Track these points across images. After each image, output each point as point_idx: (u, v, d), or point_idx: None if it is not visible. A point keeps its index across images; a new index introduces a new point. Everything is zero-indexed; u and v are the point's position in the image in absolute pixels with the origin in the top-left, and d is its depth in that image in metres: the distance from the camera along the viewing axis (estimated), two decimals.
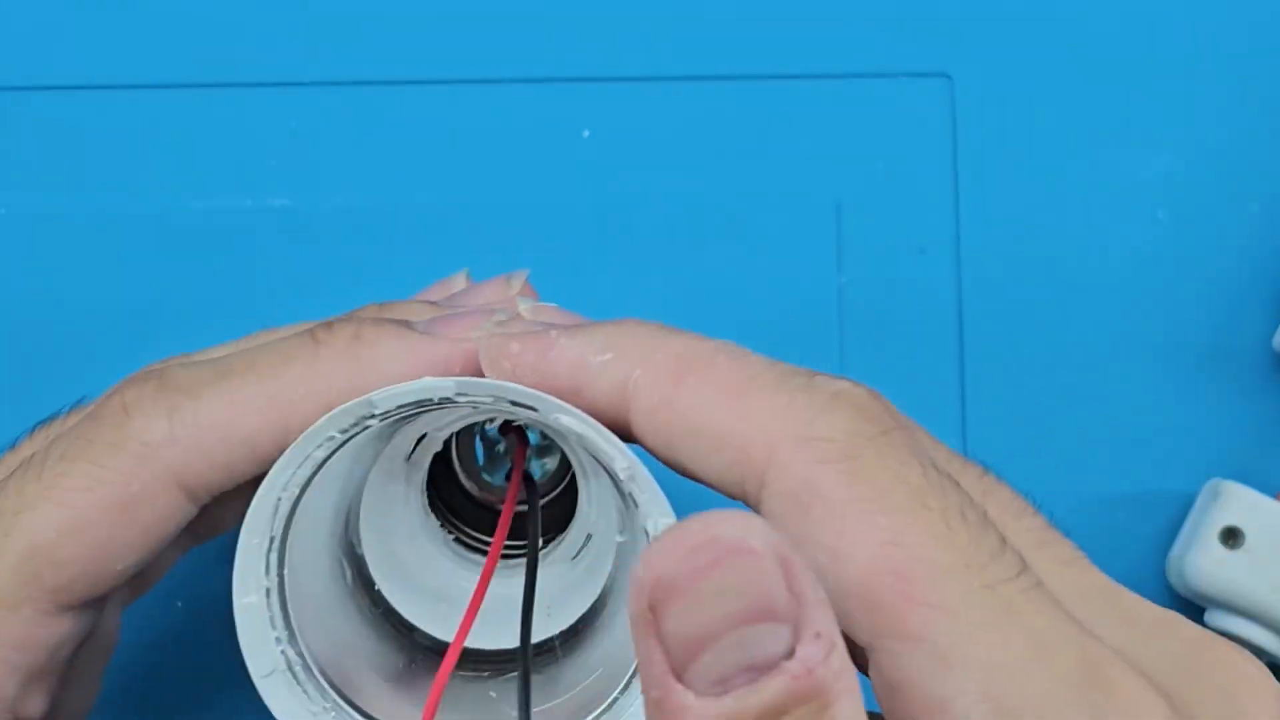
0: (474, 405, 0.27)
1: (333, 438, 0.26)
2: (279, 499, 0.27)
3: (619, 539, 0.30)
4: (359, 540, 0.31)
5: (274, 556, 0.27)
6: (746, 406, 0.25)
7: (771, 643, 0.19)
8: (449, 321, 0.28)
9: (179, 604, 0.37)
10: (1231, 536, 0.35)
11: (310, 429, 0.26)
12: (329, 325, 0.28)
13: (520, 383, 0.26)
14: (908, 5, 0.40)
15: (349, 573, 0.31)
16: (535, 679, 0.30)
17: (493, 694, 0.30)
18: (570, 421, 0.25)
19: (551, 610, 0.30)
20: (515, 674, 0.30)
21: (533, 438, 0.33)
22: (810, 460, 0.24)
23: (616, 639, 0.29)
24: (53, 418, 0.31)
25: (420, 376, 0.26)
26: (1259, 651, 0.36)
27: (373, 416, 0.26)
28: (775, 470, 0.24)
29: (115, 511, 0.27)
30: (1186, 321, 0.39)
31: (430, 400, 0.26)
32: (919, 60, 0.40)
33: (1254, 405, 0.38)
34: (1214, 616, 0.36)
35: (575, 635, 0.31)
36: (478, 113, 0.39)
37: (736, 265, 0.38)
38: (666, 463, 0.25)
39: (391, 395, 0.26)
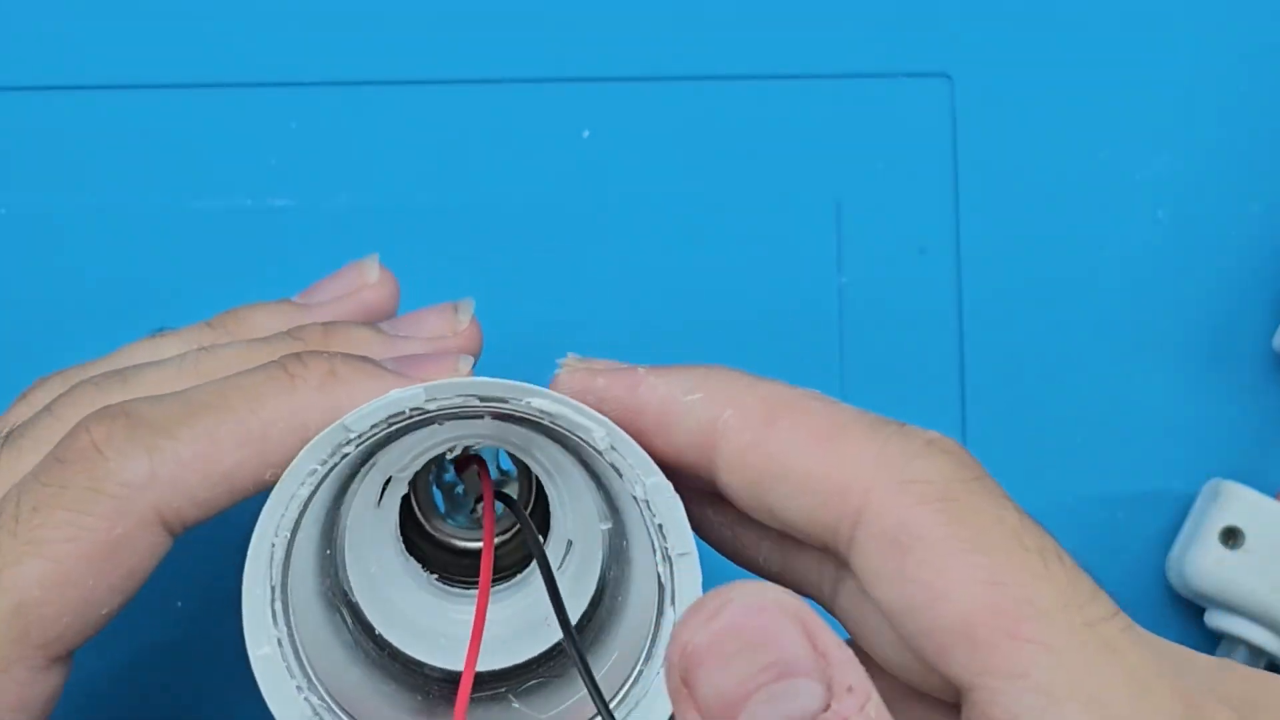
0: (443, 413, 0.27)
1: (315, 471, 0.27)
2: (273, 544, 0.27)
3: (604, 527, 0.30)
4: (350, 588, 0.31)
5: (279, 605, 0.27)
6: (840, 450, 0.25)
7: (805, 700, 0.20)
8: (419, 363, 0.29)
9: (179, 604, 0.37)
10: (1231, 536, 0.35)
11: (291, 466, 0.26)
12: (300, 359, 0.28)
13: (607, 415, 0.26)
14: (908, 5, 0.40)
15: (348, 619, 0.31)
16: (554, 682, 0.31)
17: (515, 705, 0.31)
18: (542, 402, 0.26)
19: (550, 620, 0.30)
20: (534, 682, 0.31)
21: (493, 472, 0.33)
22: (908, 503, 0.24)
23: (626, 623, 0.29)
24: None
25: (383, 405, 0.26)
26: (1259, 651, 0.36)
27: (349, 441, 0.26)
28: (871, 513, 0.24)
29: (100, 559, 0.26)
30: (1186, 321, 0.39)
31: (402, 413, 0.26)
32: (919, 60, 0.40)
33: (1254, 405, 0.38)
34: (1214, 616, 0.36)
35: (582, 632, 0.31)
36: (478, 113, 0.39)
37: (736, 265, 0.38)
38: (750, 506, 0.26)
39: (365, 414, 0.26)
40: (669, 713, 0.27)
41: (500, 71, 0.40)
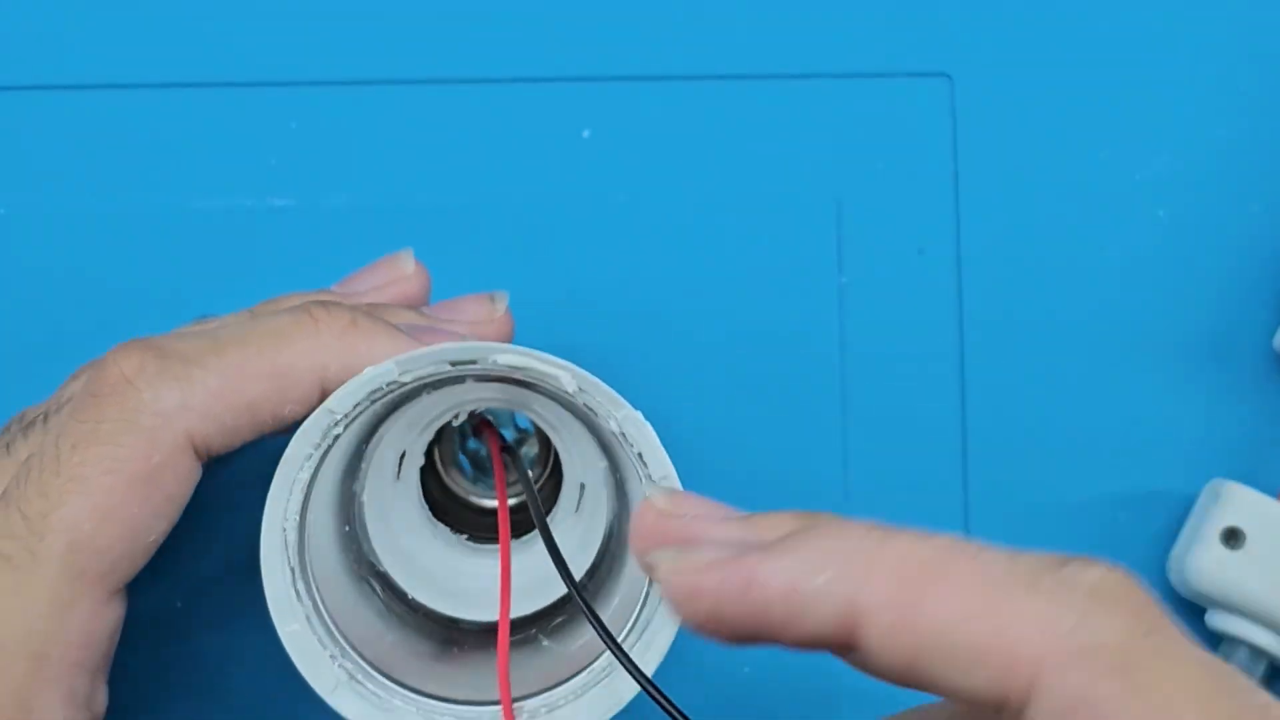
0: (420, 383, 0.28)
1: (310, 455, 0.28)
2: (284, 529, 0.28)
3: (602, 464, 0.32)
4: (378, 559, 0.33)
5: (301, 585, 0.29)
6: (1001, 617, 0.22)
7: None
8: (435, 334, 0.30)
9: (178, 604, 0.37)
10: (1232, 537, 0.35)
11: (286, 454, 0.28)
12: (325, 306, 0.29)
13: (726, 619, 0.23)
14: (908, 5, 0.40)
15: (377, 588, 0.33)
16: (569, 624, 0.32)
17: (545, 643, 0.32)
18: (509, 358, 0.27)
19: (573, 560, 0.32)
20: (560, 619, 0.33)
21: (506, 434, 0.35)
22: (1084, 675, 0.22)
23: (629, 565, 0.30)
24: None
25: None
26: (1260, 652, 0.36)
27: (336, 423, 0.28)
28: (1044, 687, 0.22)
29: (140, 488, 0.28)
30: (1186, 322, 0.39)
31: (380, 389, 0.28)
32: (919, 60, 0.40)
33: (1254, 405, 0.38)
34: (1214, 617, 0.36)
35: (595, 572, 0.33)
36: (478, 113, 0.39)
37: (737, 265, 0.38)
38: (902, 681, 0.23)
39: (344, 395, 0.28)
40: (674, 633, 0.28)
41: (500, 71, 0.40)
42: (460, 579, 0.34)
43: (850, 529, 0.24)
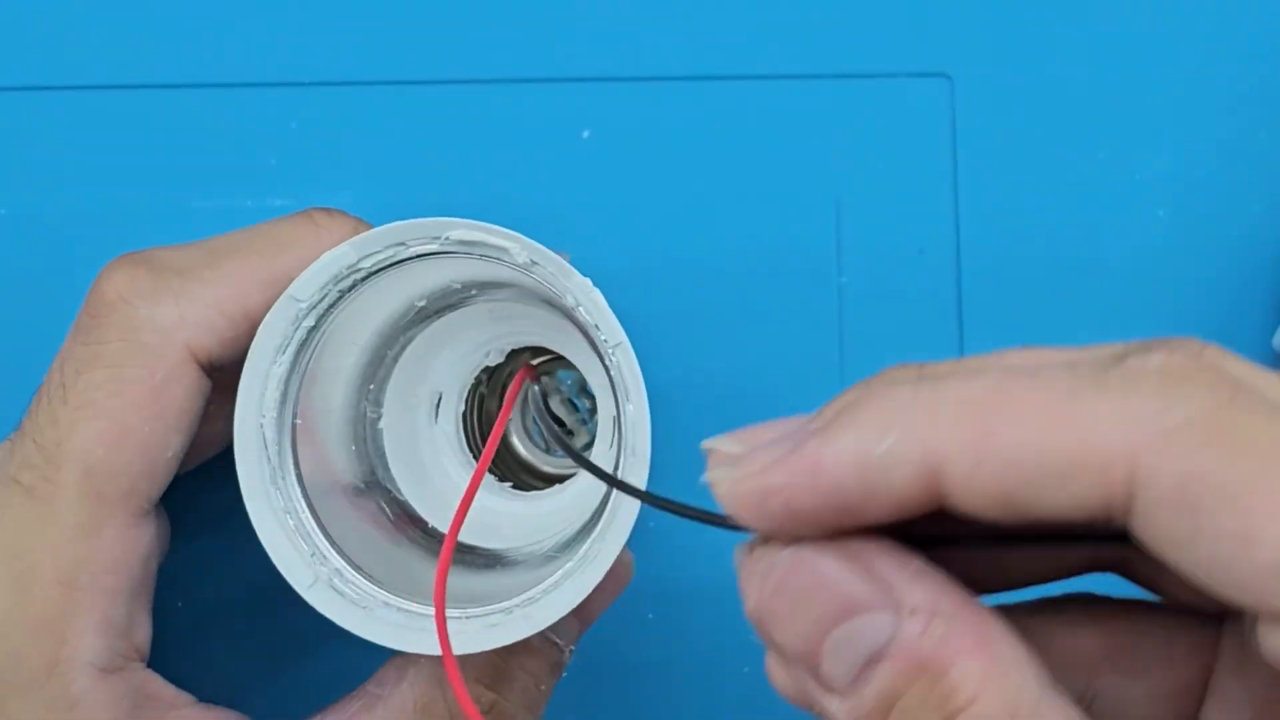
0: (378, 268, 0.28)
1: (280, 347, 0.28)
2: (261, 424, 0.28)
3: (606, 377, 0.32)
4: (396, 488, 0.33)
5: (281, 483, 0.29)
6: (1080, 423, 0.21)
7: (875, 633, 0.20)
8: None
9: (179, 604, 0.37)
10: None
11: (253, 347, 0.28)
12: (329, 212, 0.30)
13: (803, 517, 0.21)
14: (908, 5, 0.40)
15: (387, 509, 0.33)
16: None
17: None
18: (460, 233, 0.28)
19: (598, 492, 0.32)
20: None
21: (580, 404, 0.36)
22: (1182, 454, 0.20)
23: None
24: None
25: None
26: None
27: (302, 312, 0.28)
28: (1144, 478, 0.21)
29: (148, 406, 0.28)
30: (1186, 321, 0.39)
31: (340, 272, 0.28)
32: (919, 60, 0.40)
33: None
34: None
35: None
36: (478, 113, 0.39)
37: (737, 265, 0.38)
38: (1000, 524, 0.21)
39: (305, 281, 0.28)
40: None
41: (500, 71, 0.40)
42: (485, 515, 0.34)
43: (897, 388, 0.21)
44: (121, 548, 0.28)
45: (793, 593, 0.21)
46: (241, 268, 0.29)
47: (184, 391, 0.28)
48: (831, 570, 0.20)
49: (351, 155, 0.39)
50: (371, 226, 0.30)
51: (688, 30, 0.39)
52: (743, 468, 0.22)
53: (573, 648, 0.31)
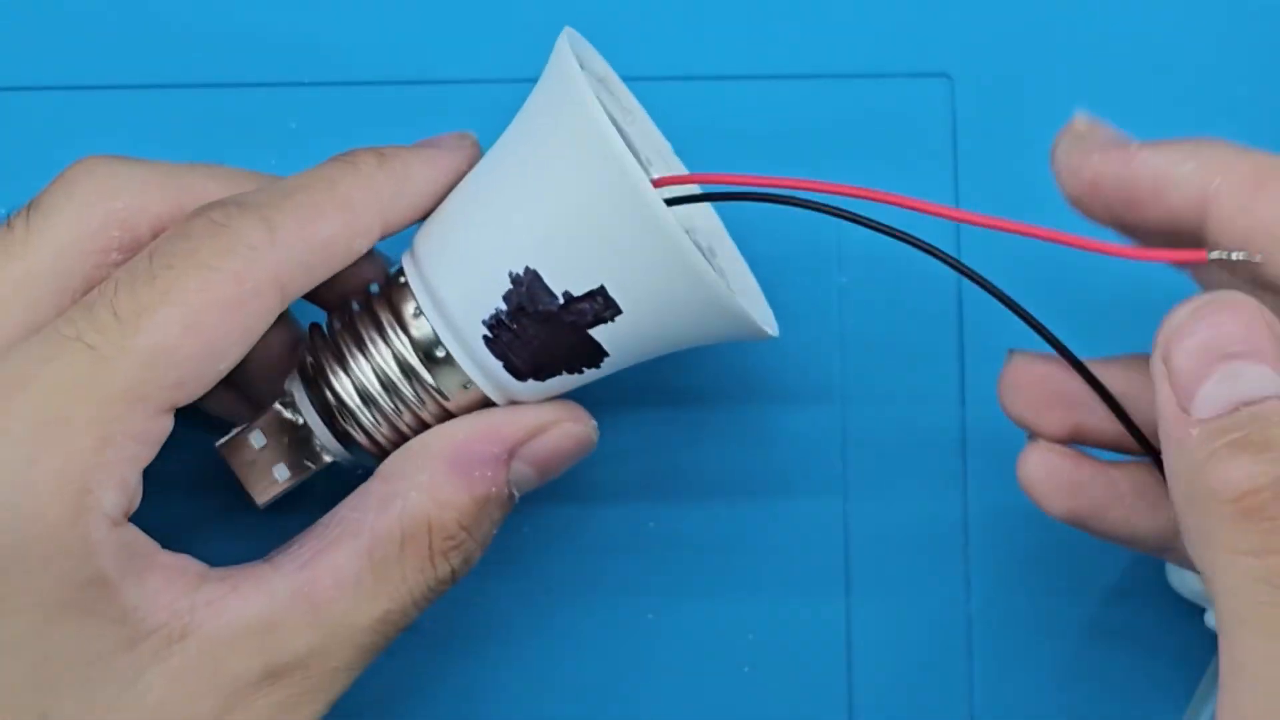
0: None
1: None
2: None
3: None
4: None
5: None
6: None
7: (1256, 384, 0.25)
8: (433, 145, 0.34)
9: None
10: None
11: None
12: (350, 151, 0.33)
13: (1102, 190, 0.29)
14: (908, 5, 0.40)
15: None
16: None
17: None
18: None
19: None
20: None
21: None
22: None
23: None
24: None
25: (442, 177, 0.33)
26: None
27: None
28: None
29: (226, 310, 0.30)
30: None
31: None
32: (919, 60, 0.40)
33: None
34: (1214, 618, 0.36)
35: None
36: (478, 113, 0.39)
37: None
38: (1241, 270, 0.28)
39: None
40: None
41: (500, 71, 0.40)
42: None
43: (1220, 142, 0.28)
44: (155, 425, 0.30)
45: (1214, 322, 0.26)
46: (311, 199, 0.31)
47: (261, 308, 0.30)
48: (1252, 318, 0.26)
49: None
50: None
51: (687, 30, 0.39)
52: (1083, 142, 0.29)
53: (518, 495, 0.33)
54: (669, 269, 0.30)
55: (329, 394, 0.33)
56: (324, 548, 0.31)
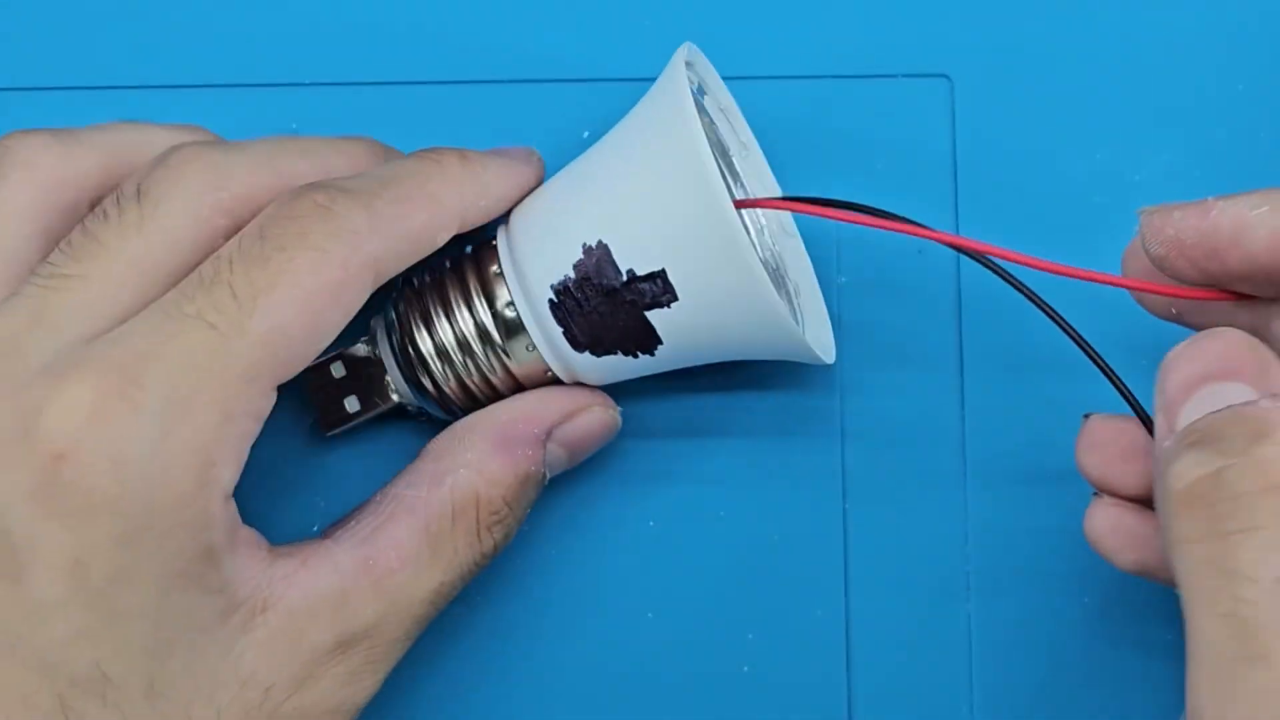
0: None
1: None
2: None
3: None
4: None
5: None
6: None
7: (1238, 396, 0.27)
8: (505, 154, 0.36)
9: None
10: None
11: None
12: (435, 149, 0.35)
13: (1185, 245, 0.31)
14: (908, 5, 0.40)
15: None
16: None
17: None
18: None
19: None
20: None
21: None
22: None
23: None
24: None
25: (514, 187, 0.35)
26: None
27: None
28: None
29: (334, 292, 0.31)
30: None
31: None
32: (919, 60, 0.40)
33: None
34: None
35: None
36: (478, 113, 0.39)
37: None
38: None
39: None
40: None
41: (500, 72, 0.40)
42: None
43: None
44: (266, 402, 0.31)
45: (1206, 349, 0.28)
46: (403, 190, 0.33)
47: (359, 293, 0.31)
48: (1239, 346, 0.28)
49: None
50: None
51: (688, 31, 0.39)
52: (1164, 206, 0.31)
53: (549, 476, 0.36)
54: (728, 264, 0.32)
55: (407, 341, 0.35)
56: (381, 523, 0.33)
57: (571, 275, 0.34)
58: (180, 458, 0.30)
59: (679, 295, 0.33)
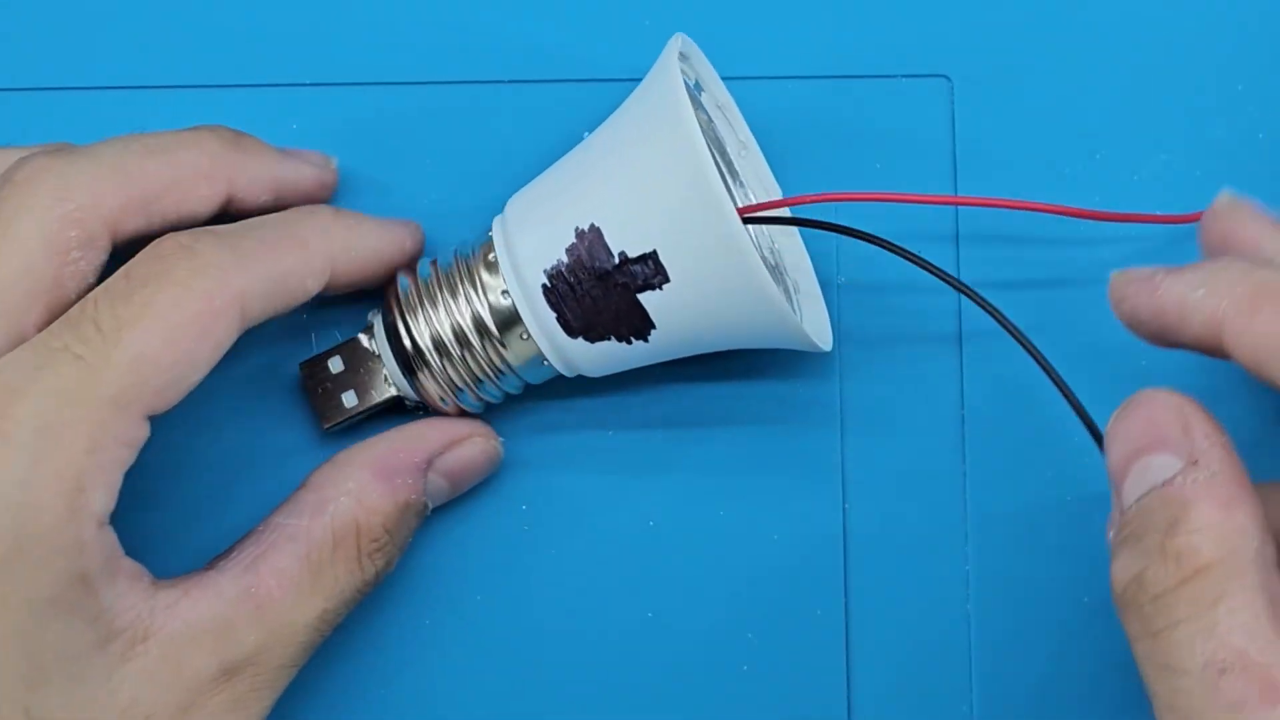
0: None
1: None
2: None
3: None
4: None
5: None
6: None
7: (1161, 471, 0.28)
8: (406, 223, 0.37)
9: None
10: None
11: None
12: (339, 210, 0.36)
13: (1140, 319, 0.31)
14: (908, 6, 0.40)
15: None
16: None
17: None
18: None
19: None
20: None
21: None
22: None
23: None
24: None
25: (388, 246, 0.36)
26: None
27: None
28: None
29: (200, 326, 0.31)
30: None
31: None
32: (919, 60, 0.40)
33: (1251, 404, 0.38)
34: None
35: None
36: (477, 113, 0.39)
37: None
38: (1257, 376, 0.29)
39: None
40: None
41: (500, 72, 0.40)
42: None
43: (1235, 263, 0.30)
44: (138, 431, 0.31)
45: (1133, 422, 0.29)
46: (273, 232, 0.34)
47: (226, 330, 0.32)
48: (1164, 413, 0.29)
49: (351, 155, 0.39)
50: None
51: (688, 31, 0.39)
52: (1124, 276, 0.31)
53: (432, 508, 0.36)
54: (718, 243, 0.32)
55: (403, 330, 0.35)
56: (264, 552, 0.34)
57: (564, 259, 0.34)
58: (50, 485, 0.30)
59: (670, 276, 0.33)
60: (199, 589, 0.33)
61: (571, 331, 0.34)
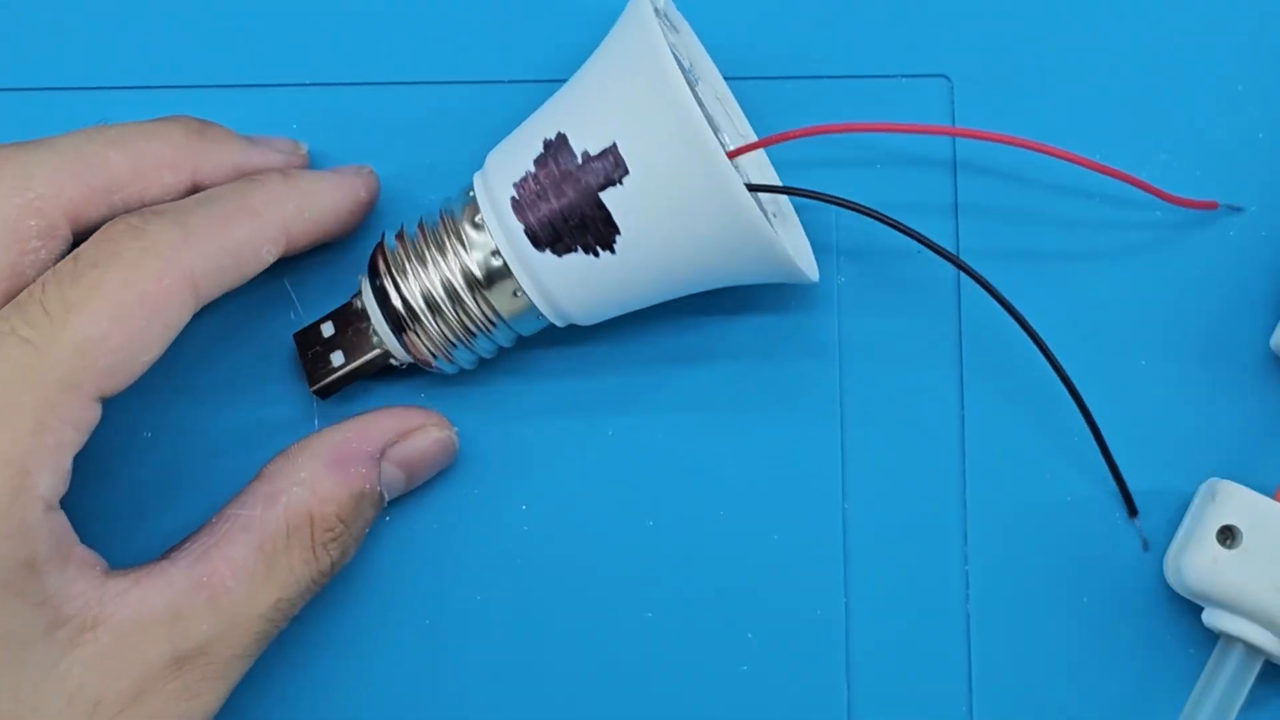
0: None
1: None
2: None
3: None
4: None
5: None
6: None
7: None
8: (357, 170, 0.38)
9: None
10: (1228, 535, 0.36)
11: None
12: (287, 172, 0.36)
13: None
14: (908, 6, 0.40)
15: None
16: None
17: None
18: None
19: None
20: None
21: None
22: None
23: None
24: None
25: (342, 200, 0.36)
26: (1257, 650, 0.36)
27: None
28: None
29: (151, 304, 0.31)
30: (1184, 321, 0.39)
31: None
32: (919, 60, 0.40)
33: (1252, 405, 0.39)
34: (1211, 615, 0.36)
35: None
36: (477, 113, 0.39)
37: None
38: None
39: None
40: None
41: (500, 72, 0.40)
42: None
43: None
44: (87, 412, 0.31)
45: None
46: (224, 205, 0.33)
47: (179, 307, 0.32)
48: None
49: (351, 156, 0.39)
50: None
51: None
52: None
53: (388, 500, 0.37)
54: (675, 131, 0.32)
55: (388, 283, 0.35)
56: (216, 542, 0.33)
57: (532, 169, 0.34)
58: None
59: (629, 168, 0.33)
60: (150, 578, 0.32)
61: (538, 243, 0.34)
